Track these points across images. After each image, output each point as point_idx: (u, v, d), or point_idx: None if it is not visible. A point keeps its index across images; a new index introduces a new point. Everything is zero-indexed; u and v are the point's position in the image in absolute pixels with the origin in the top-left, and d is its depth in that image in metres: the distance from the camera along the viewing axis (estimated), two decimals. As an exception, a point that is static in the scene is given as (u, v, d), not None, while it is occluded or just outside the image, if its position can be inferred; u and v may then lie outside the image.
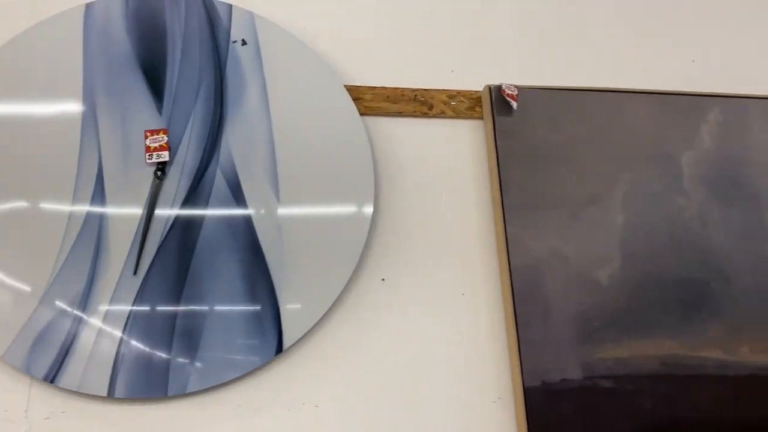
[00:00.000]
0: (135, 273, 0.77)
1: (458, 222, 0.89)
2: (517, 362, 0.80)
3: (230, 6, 0.92)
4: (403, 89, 0.94)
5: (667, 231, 0.90)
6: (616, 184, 0.91)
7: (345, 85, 0.92)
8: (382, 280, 0.85)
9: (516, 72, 0.99)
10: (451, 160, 0.93)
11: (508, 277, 0.84)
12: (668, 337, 0.84)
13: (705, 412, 0.81)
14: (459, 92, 0.96)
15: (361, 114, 0.91)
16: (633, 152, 0.93)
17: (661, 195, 0.91)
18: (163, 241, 0.79)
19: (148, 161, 0.82)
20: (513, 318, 0.82)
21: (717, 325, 0.86)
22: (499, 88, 0.93)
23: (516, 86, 0.93)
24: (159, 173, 0.82)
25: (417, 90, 0.95)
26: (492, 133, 0.91)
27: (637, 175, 0.92)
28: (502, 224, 0.86)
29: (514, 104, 0.92)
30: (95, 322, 0.75)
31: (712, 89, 1.01)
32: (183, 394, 0.74)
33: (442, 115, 0.94)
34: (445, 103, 0.95)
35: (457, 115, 0.94)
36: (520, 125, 0.92)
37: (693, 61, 1.05)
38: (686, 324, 0.85)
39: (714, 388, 0.83)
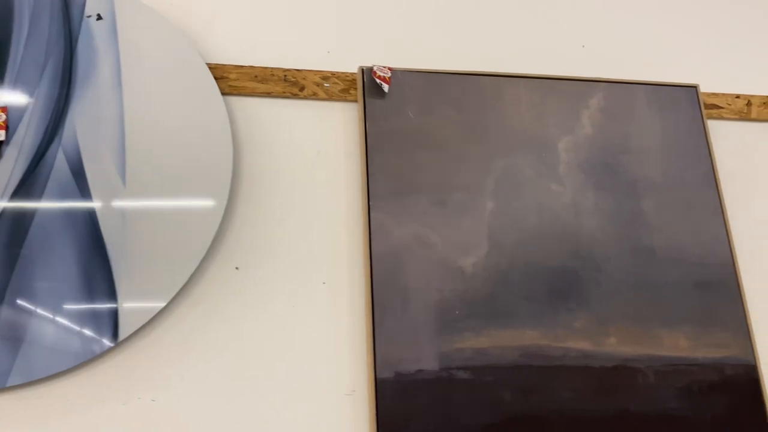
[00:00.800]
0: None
1: (325, 208, 0.86)
2: (371, 353, 0.77)
3: (86, -22, 0.87)
4: (273, 69, 0.90)
5: (538, 218, 0.87)
6: (489, 170, 0.88)
7: (209, 64, 0.87)
8: (236, 269, 0.81)
9: (397, 54, 0.95)
10: (322, 144, 0.89)
11: (369, 265, 0.81)
12: (531, 327, 0.82)
13: (566, 404, 0.79)
14: (334, 74, 0.92)
15: (225, 94, 0.87)
16: (509, 138, 0.91)
17: (534, 182, 0.89)
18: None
19: (-17, 141, 0.77)
20: (370, 307, 0.79)
21: (584, 315, 0.84)
22: (371, 70, 0.90)
23: (390, 68, 0.90)
24: (-6, 153, 0.77)
25: (288, 70, 0.91)
26: (362, 117, 0.88)
27: (511, 162, 0.90)
28: (367, 210, 0.84)
29: (386, 87, 0.89)
30: None
31: (597, 74, 0.99)
32: (2, 388, 0.70)
33: (314, 96, 0.90)
34: (318, 85, 0.91)
35: (330, 97, 0.91)
36: (392, 109, 0.89)
37: (583, 46, 1.03)
38: (552, 314, 0.83)
39: (577, 379, 0.81)
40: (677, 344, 0.85)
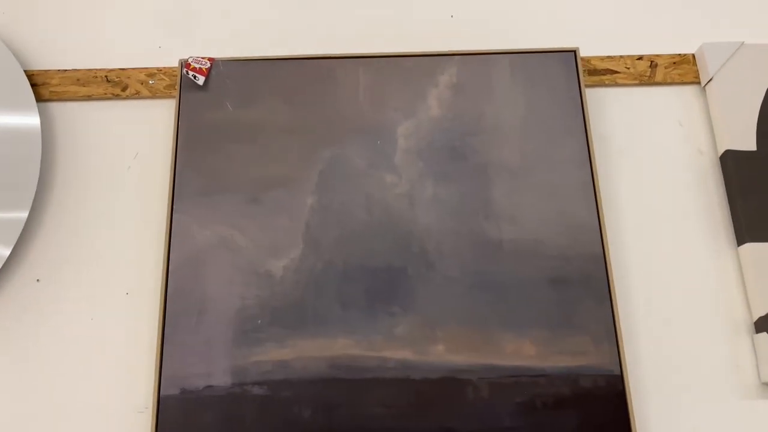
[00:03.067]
0: None
1: (134, 214, 0.81)
2: (157, 368, 0.72)
3: None
4: (96, 70, 0.87)
5: (365, 213, 0.78)
6: (313, 162, 0.80)
7: (30, 71, 0.85)
8: (37, 281, 0.78)
9: (236, 42, 0.89)
10: (141, 145, 0.84)
11: (165, 273, 0.75)
12: (344, 335, 0.73)
13: (376, 421, 0.69)
14: (160, 70, 0.87)
15: (46, 100, 0.84)
16: (339, 126, 0.82)
17: (364, 173, 0.79)
18: None
19: None
20: (162, 319, 0.74)
21: (408, 320, 0.73)
22: (186, 62, 0.84)
23: (212, 59, 0.84)
24: None
25: (112, 70, 0.87)
26: (176, 113, 0.82)
27: (340, 152, 0.80)
28: (170, 213, 0.78)
29: (201, 79, 0.82)
30: None
31: (462, 46, 0.88)
32: None
33: (137, 95, 0.86)
34: (142, 83, 0.86)
35: (154, 94, 0.85)
36: (210, 102, 0.82)
37: (452, 16, 0.92)
38: (370, 319, 0.73)
39: (392, 394, 0.70)
40: (522, 352, 0.72)
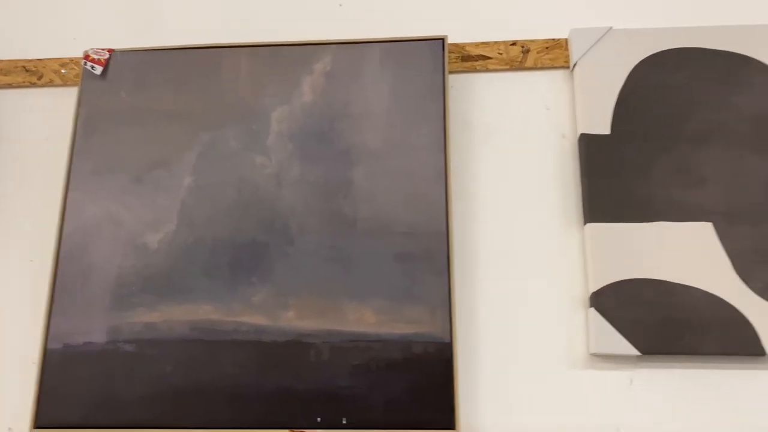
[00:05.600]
0: None
1: (40, 190, 0.91)
2: (46, 326, 0.82)
3: None
4: (17, 60, 0.96)
5: (236, 192, 0.85)
6: (192, 145, 0.88)
7: (-43, 63, 0.96)
8: (-46, 249, 0.90)
9: (140, 34, 0.97)
10: (51, 129, 0.94)
11: (58, 243, 0.85)
12: (207, 302, 0.81)
13: (229, 379, 0.78)
14: (72, 60, 0.96)
15: (-29, 90, 0.95)
16: (220, 111, 0.89)
17: (238, 155, 0.87)
18: None
19: None
20: (53, 283, 0.84)
21: (265, 289, 0.81)
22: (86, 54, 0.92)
23: (111, 50, 0.92)
24: None
25: (30, 60, 0.96)
26: (78, 101, 0.91)
27: (218, 135, 0.88)
28: (65, 190, 0.87)
29: (99, 69, 0.91)
30: None
31: (334, 35, 0.93)
32: None
33: (50, 84, 0.95)
34: (55, 72, 0.96)
35: (65, 83, 0.95)
36: (108, 90, 0.91)
37: (340, 5, 0.97)
38: (230, 289, 0.82)
39: (244, 354, 0.79)
40: (363, 319, 0.79)
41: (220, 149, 0.88)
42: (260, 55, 0.91)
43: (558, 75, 0.91)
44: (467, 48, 0.92)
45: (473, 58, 0.92)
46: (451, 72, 0.92)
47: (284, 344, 0.80)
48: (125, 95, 0.91)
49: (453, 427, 0.75)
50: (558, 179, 0.87)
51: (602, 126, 0.85)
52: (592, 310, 0.79)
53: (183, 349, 0.80)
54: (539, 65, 0.91)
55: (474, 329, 0.82)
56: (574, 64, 0.88)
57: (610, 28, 0.89)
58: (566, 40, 0.91)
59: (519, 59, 0.92)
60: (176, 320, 0.81)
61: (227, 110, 0.89)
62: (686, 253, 0.80)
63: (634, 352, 0.76)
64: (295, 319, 0.81)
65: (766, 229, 0.79)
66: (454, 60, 0.92)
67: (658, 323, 0.77)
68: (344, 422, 0.76)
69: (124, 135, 0.89)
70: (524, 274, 0.83)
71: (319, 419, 0.77)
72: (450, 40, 0.93)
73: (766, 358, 0.77)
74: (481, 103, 0.91)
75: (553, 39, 0.92)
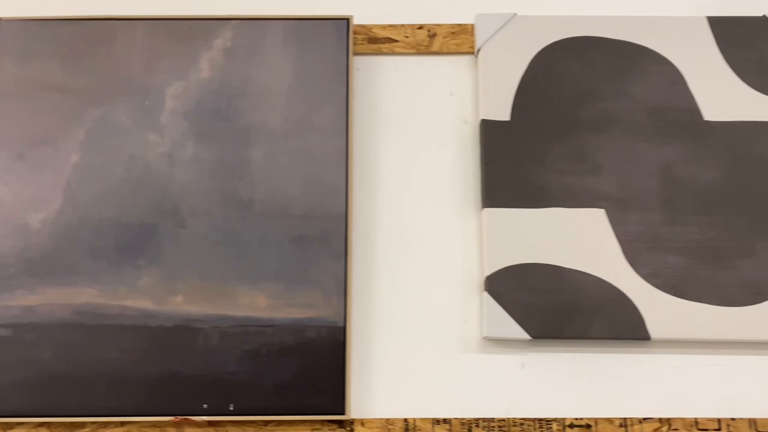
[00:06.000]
0: None
1: None
2: None
3: None
4: None
5: (125, 171, 0.82)
6: (81, 121, 0.83)
7: None
8: None
9: (21, 2, 0.92)
10: (-71, 100, 0.89)
11: (-70, 222, 0.80)
12: (91, 285, 0.78)
13: (111, 363, 0.75)
14: (-46, 28, 0.91)
15: None
16: (111, 86, 0.84)
17: (130, 132, 0.83)
18: None
19: None
20: None
21: (153, 273, 0.78)
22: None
23: (-3, 18, 0.87)
24: None
25: None
26: (-43, 70, 0.86)
27: (109, 111, 0.84)
28: (-58, 167, 0.82)
29: (-20, 38, 0.86)
30: None
31: (230, 11, 0.90)
32: None
33: (-71, 52, 0.90)
34: (-65, 40, 0.90)
35: (-54, 52, 0.90)
36: (-9, 60, 0.86)
37: (245, -20, 0.94)
38: (116, 271, 0.78)
39: (129, 339, 0.76)
40: (255, 304, 0.77)
41: (111, 126, 0.84)
42: (157, 29, 0.87)
43: (463, 60, 0.91)
44: (374, 30, 0.91)
45: (380, 41, 0.91)
46: (357, 54, 0.91)
47: (171, 329, 0.77)
48: (11, 66, 0.86)
49: (343, 413, 0.74)
50: (459, 165, 0.87)
51: (502, 112, 0.86)
52: (486, 294, 0.79)
53: (63, 334, 0.76)
54: (445, 50, 0.91)
55: (370, 313, 0.81)
56: (478, 50, 0.89)
57: (515, 14, 0.89)
58: (473, 25, 0.91)
59: (425, 43, 0.91)
60: (57, 304, 0.77)
61: (120, 85, 0.85)
62: (579, 239, 0.81)
63: (525, 336, 0.77)
64: (184, 303, 0.78)
65: (655, 216, 0.81)
66: (361, 42, 0.91)
67: (550, 308, 0.78)
68: (231, 408, 0.74)
69: (7, 109, 0.84)
70: (422, 259, 0.83)
71: (205, 406, 0.74)
72: (357, 22, 0.91)
73: (651, 342, 0.79)
74: (387, 87, 0.90)
75: (460, 24, 0.91)
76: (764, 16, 0.88)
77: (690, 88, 0.86)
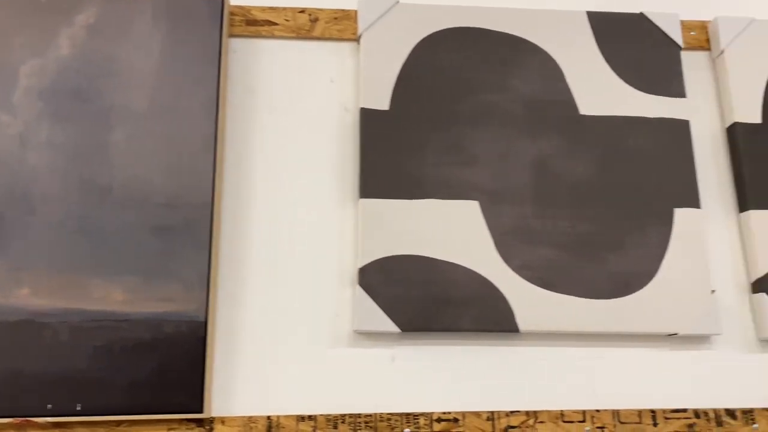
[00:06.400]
0: None
1: None
2: None
3: None
4: None
5: (-30, 153, 0.76)
6: None
7: None
8: None
9: None
10: None
11: None
12: (-76, 276, 0.72)
13: (-55, 362, 0.70)
14: None
15: None
16: (-43, 60, 0.79)
17: (-24, 111, 0.78)
18: None
19: None
20: None
21: (-3, 263, 0.74)
22: None
23: None
24: None
25: None
26: None
27: (-47, 87, 0.78)
28: None
29: None
30: None
31: (115, -13, 0.86)
32: None
33: None
34: None
35: None
36: None
37: (118, -46, 0.89)
38: (-46, 261, 0.73)
39: (-33, 335, 0.71)
40: (110, 297, 0.73)
41: (-45, 104, 0.77)
42: (12, 1, 0.81)
43: (345, 47, 0.88)
44: (253, 12, 0.87)
45: (259, 23, 0.87)
46: (234, 36, 0.87)
47: (15, 324, 0.71)
48: None
49: (201, 411, 0.71)
50: (339, 154, 0.84)
51: (382, 101, 0.84)
52: (358, 286, 0.77)
53: None
54: (327, 35, 0.88)
55: (238, 307, 0.77)
56: (360, 36, 0.86)
57: (398, 1, 0.88)
58: (356, 11, 0.89)
59: (307, 28, 0.88)
60: None
61: (-33, 60, 0.79)
62: (452, 231, 0.80)
63: (395, 329, 0.75)
64: (30, 296, 0.72)
65: (528, 208, 0.81)
66: (239, 23, 0.87)
67: (421, 300, 0.77)
68: (78, 408, 0.69)
69: None
70: (296, 250, 0.80)
71: (49, 406, 0.69)
72: (234, 2, 0.87)
73: (520, 335, 0.79)
74: (265, 71, 0.86)
75: (343, 10, 0.89)
76: (641, 13, 0.90)
77: (568, 82, 0.86)
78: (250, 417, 0.73)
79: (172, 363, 0.72)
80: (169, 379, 0.71)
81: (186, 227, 0.76)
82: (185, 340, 0.72)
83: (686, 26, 0.92)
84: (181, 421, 0.72)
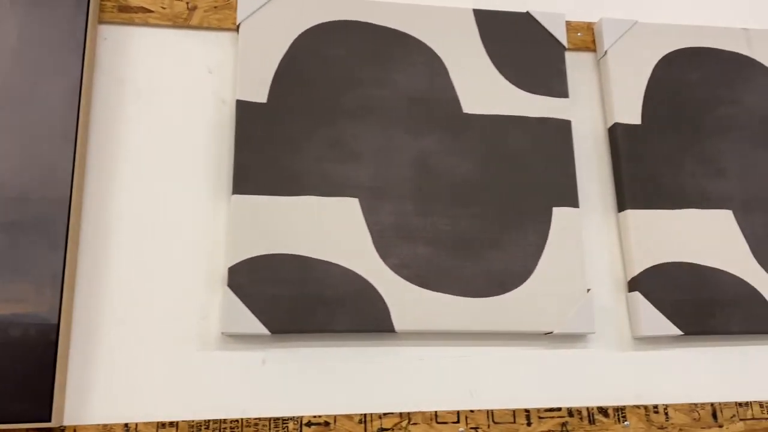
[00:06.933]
0: None
1: None
2: None
3: None
4: None
5: None
6: None
7: None
8: None
9: None
10: None
11: None
12: None
13: None
14: None
15: None
16: None
17: None
18: None
19: None
20: None
21: None
22: None
23: None
24: None
25: None
26: None
27: None
28: None
29: None
30: None
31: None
32: None
33: None
34: None
35: None
36: None
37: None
38: None
39: None
40: (-51, 299, 0.68)
41: None
42: None
43: (225, 37, 0.85)
44: (111, -4, 0.83)
45: (132, 10, 0.83)
46: (105, 22, 0.82)
47: None
48: None
49: (49, 419, 0.66)
50: (213, 148, 0.80)
51: (260, 94, 0.81)
52: (227, 287, 0.74)
53: None
54: (206, 25, 0.84)
55: (98, 309, 0.72)
56: (239, 26, 0.83)
57: (278, -8, 0.85)
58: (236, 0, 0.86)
59: (184, 16, 0.84)
60: None
61: None
62: (330, 228, 0.77)
63: (265, 331, 0.73)
64: None
65: (408, 206, 0.80)
66: (110, 9, 0.82)
67: (293, 300, 0.74)
68: None
69: None
70: (163, 249, 0.76)
71: None
72: (106, -13, 0.83)
73: (396, 335, 0.77)
74: (138, 60, 0.82)
75: (224, -2, 0.86)
76: (527, 12, 0.90)
77: (452, 79, 0.86)
78: (106, 425, 0.68)
79: (19, 368, 0.66)
80: (15, 386, 0.66)
81: (38, 223, 0.70)
82: (34, 344, 0.67)
83: (573, 27, 0.93)
84: (27, 430, 0.67)
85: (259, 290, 0.74)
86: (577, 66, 0.92)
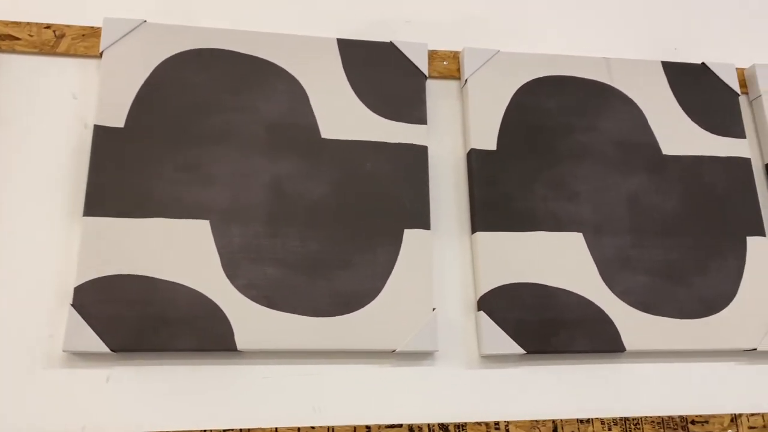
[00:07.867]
0: None
1: None
2: None
3: None
4: None
5: None
6: None
7: None
8: None
9: None
10: None
11: None
12: None
13: None
14: None
15: None
16: None
17: None
18: None
19: None
20: None
21: None
22: None
23: None
24: None
25: None
26: None
27: None
28: None
29: None
30: None
31: None
32: None
33: None
34: None
35: None
36: None
37: None
38: None
39: None
40: None
41: None
42: None
43: (91, 64, 0.88)
44: (-12, 24, 0.86)
45: (1, 37, 0.86)
46: (-29, 49, 0.85)
47: None
48: None
49: None
50: (73, 170, 0.83)
51: (117, 119, 0.83)
52: (70, 306, 0.76)
53: None
54: (73, 52, 0.87)
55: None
56: (102, 53, 0.86)
57: (144, 21, 0.87)
58: (101, 28, 0.89)
59: (51, 43, 0.87)
60: None
61: None
62: (178, 250, 0.79)
63: (105, 349, 0.74)
64: None
65: (259, 228, 0.82)
66: (-23, 36, 0.85)
67: (136, 320, 0.76)
68: None
69: None
70: (13, 269, 0.78)
71: None
72: (-27, 15, 0.86)
73: (240, 354, 0.79)
74: (3, 86, 0.84)
75: (92, 27, 0.88)
76: (391, 42, 0.94)
77: (312, 106, 0.89)
78: (-61, 443, 0.71)
79: None
80: None
81: None
82: None
83: (440, 56, 0.97)
84: None
85: (103, 309, 0.76)
86: (441, 94, 0.96)
